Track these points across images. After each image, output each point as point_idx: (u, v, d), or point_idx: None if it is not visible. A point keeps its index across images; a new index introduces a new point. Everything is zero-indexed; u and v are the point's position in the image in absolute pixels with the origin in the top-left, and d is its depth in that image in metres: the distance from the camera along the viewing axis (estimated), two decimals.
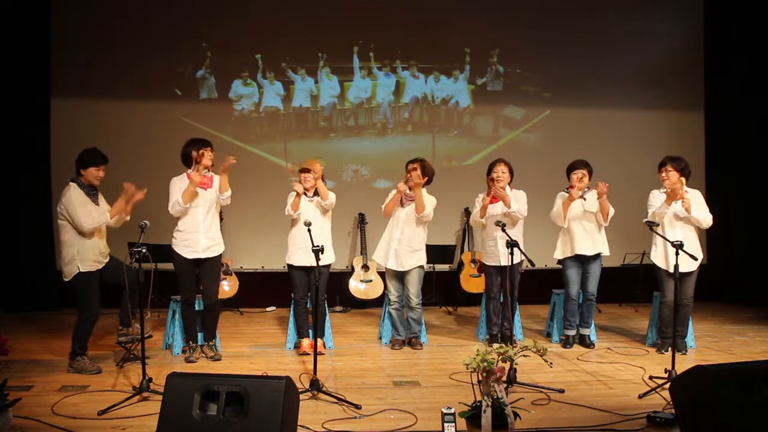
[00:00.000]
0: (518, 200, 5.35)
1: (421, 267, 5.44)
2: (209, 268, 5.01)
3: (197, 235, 4.90)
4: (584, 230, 5.43)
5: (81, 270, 4.58)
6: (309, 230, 4.58)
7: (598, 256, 5.47)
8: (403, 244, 5.35)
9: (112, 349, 5.16)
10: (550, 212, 5.54)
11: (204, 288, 5.04)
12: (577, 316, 5.54)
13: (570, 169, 5.52)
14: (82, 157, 4.68)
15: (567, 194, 5.47)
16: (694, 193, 5.27)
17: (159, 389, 3.54)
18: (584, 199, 5.42)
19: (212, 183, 5.00)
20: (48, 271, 6.90)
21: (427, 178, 5.38)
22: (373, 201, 7.37)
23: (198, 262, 4.95)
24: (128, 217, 4.85)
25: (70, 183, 4.66)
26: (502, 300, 5.43)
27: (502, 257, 5.25)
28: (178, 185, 4.92)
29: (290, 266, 5.26)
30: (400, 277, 5.43)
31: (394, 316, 5.49)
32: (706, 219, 5.21)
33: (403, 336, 5.51)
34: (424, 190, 5.37)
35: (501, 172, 5.35)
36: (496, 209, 5.35)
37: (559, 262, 5.63)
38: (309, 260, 4.89)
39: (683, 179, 5.12)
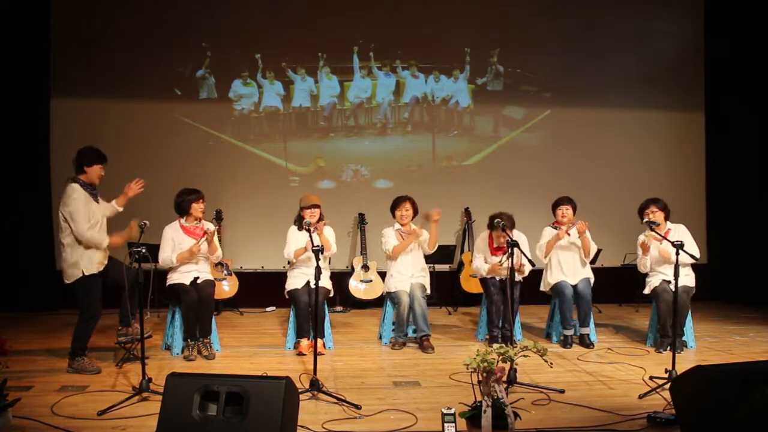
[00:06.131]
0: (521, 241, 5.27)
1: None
2: None
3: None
4: (566, 263, 5.60)
5: (85, 274, 4.54)
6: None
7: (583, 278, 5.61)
8: (416, 269, 5.57)
9: (112, 349, 5.16)
10: (537, 245, 5.65)
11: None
12: (576, 315, 5.59)
13: (555, 205, 5.68)
14: (84, 155, 4.57)
15: (553, 229, 5.63)
16: (678, 228, 5.38)
17: (159, 389, 3.53)
18: (569, 234, 5.59)
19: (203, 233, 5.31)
20: (48, 271, 6.90)
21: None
22: (373, 201, 7.38)
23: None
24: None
25: (72, 183, 4.54)
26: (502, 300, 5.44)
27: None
28: (170, 235, 5.17)
29: (290, 292, 5.38)
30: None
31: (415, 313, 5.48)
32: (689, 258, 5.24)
33: (403, 339, 5.51)
34: (413, 225, 5.57)
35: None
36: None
37: (546, 292, 5.79)
38: (308, 290, 5.23)
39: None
